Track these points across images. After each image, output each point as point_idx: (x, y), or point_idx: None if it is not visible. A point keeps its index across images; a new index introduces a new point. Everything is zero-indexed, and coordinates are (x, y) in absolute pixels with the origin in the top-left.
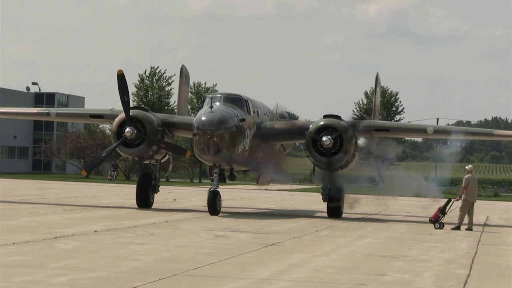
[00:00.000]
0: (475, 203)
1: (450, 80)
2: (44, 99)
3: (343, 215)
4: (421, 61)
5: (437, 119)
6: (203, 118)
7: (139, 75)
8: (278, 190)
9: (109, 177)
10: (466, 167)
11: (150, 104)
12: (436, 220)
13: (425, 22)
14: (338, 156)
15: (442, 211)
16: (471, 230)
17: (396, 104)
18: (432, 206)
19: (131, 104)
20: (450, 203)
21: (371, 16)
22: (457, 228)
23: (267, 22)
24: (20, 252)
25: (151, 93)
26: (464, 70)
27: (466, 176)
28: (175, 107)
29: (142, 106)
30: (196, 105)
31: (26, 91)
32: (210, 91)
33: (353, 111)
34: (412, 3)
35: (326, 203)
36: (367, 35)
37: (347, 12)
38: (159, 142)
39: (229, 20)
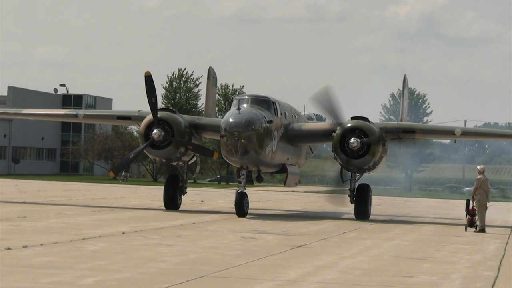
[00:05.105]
0: (488, 203)
1: (480, 82)
2: (72, 100)
3: (370, 217)
4: (451, 63)
5: (465, 121)
6: (231, 120)
7: (167, 77)
8: (305, 191)
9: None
10: (478, 167)
11: (179, 106)
12: (472, 224)
13: (456, 24)
14: (365, 158)
15: (468, 213)
16: (484, 231)
17: (424, 106)
18: (458, 207)
19: (159, 105)
20: (469, 203)
21: (402, 18)
22: (482, 230)
23: (297, 25)
24: (47, 253)
25: (179, 95)
26: (494, 72)
27: (478, 176)
28: (202, 109)
29: (170, 108)
30: (224, 107)
31: (54, 92)
32: (237, 93)
33: (380, 112)
34: (443, 5)
35: (353, 204)
36: (398, 37)
37: (378, 15)
38: (186, 143)
39: (259, 22)
